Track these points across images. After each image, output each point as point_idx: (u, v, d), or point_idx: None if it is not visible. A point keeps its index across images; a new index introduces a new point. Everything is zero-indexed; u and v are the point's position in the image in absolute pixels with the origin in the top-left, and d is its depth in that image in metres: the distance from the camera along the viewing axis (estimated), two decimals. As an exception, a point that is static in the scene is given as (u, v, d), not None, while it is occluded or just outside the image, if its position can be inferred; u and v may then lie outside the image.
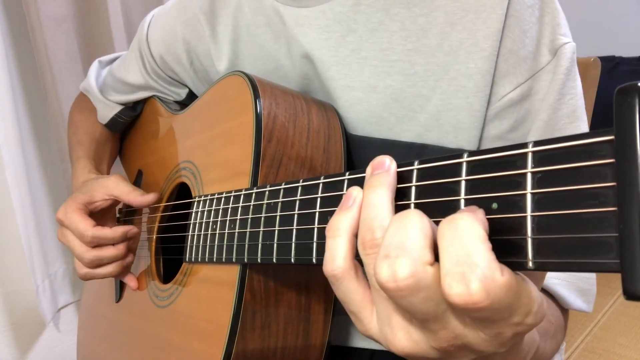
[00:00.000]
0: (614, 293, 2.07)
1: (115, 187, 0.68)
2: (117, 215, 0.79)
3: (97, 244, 0.66)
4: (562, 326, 0.54)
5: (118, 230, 0.66)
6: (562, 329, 0.55)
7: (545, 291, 0.54)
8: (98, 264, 0.67)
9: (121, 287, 0.78)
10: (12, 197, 1.06)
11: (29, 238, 1.10)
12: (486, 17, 0.50)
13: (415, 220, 0.26)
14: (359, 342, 0.66)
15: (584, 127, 0.54)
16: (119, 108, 0.83)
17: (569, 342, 1.77)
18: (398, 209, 0.31)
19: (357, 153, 0.59)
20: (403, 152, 0.56)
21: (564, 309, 0.56)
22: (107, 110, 0.84)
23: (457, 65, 0.52)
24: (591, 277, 0.56)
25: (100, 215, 0.70)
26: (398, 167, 0.32)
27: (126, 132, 0.91)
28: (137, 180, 0.81)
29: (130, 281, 0.73)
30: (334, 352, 0.61)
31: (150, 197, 0.68)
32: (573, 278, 0.54)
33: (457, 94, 0.52)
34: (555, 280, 0.54)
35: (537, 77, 0.52)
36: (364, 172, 0.34)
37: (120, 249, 0.67)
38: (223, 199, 0.52)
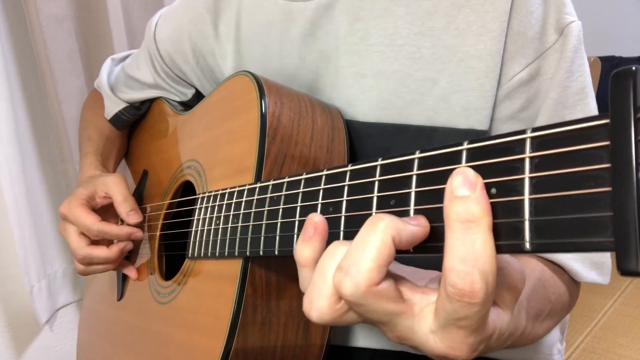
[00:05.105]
0: (614, 293, 2.07)
1: (113, 187, 0.69)
2: None
3: (101, 238, 0.67)
4: (564, 303, 0.55)
5: (124, 229, 0.68)
6: (564, 307, 0.55)
7: (555, 265, 0.55)
8: (89, 262, 0.68)
9: (123, 285, 0.78)
10: (5, 197, 1.06)
11: (24, 238, 1.09)
12: None
13: (377, 238, 0.28)
14: (360, 342, 0.66)
15: (593, 104, 0.55)
16: (123, 105, 0.84)
17: (569, 342, 1.77)
18: (398, 198, 0.32)
19: (367, 140, 0.59)
20: (414, 135, 0.56)
21: (574, 283, 0.57)
22: (112, 106, 0.84)
23: (465, 47, 0.53)
24: None
25: (103, 211, 0.71)
26: (399, 156, 0.32)
27: (132, 133, 0.92)
28: (143, 180, 0.82)
29: (130, 271, 0.74)
30: (336, 352, 0.61)
31: (133, 218, 0.69)
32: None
33: (467, 76, 0.53)
34: (568, 254, 0.54)
35: (545, 56, 0.53)
36: (366, 163, 0.34)
37: (113, 251, 0.68)
38: (227, 194, 0.53)
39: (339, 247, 0.31)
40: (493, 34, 0.51)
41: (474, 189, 0.26)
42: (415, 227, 0.29)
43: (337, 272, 0.29)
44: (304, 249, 0.33)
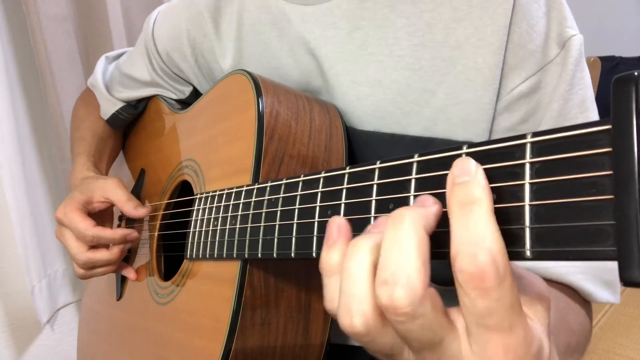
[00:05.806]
0: (614, 293, 2.07)
1: (113, 191, 0.69)
2: (120, 213, 0.79)
3: (96, 243, 0.67)
4: (587, 333, 0.53)
5: (118, 233, 0.67)
6: (586, 337, 0.53)
7: (567, 288, 0.54)
8: (91, 266, 0.68)
9: (122, 285, 0.78)
10: (6, 197, 1.06)
11: (25, 238, 1.09)
12: (493, 12, 0.51)
13: (410, 233, 0.26)
14: None
15: (594, 117, 0.55)
16: (120, 105, 0.84)
17: (569, 342, 1.77)
18: (398, 202, 0.31)
19: (363, 148, 0.59)
20: (410, 145, 0.56)
21: (586, 304, 0.56)
22: (109, 106, 0.84)
23: (464, 59, 0.53)
24: (613, 266, 0.56)
25: (98, 215, 0.71)
26: (398, 160, 0.32)
27: (130, 131, 0.91)
28: (140, 179, 0.82)
29: (129, 273, 0.74)
30: (335, 351, 0.61)
31: (142, 211, 0.69)
32: (596, 271, 0.54)
33: (465, 88, 0.53)
34: (579, 275, 0.54)
35: (546, 69, 0.53)
36: (364, 166, 0.34)
37: (114, 252, 0.68)
38: (225, 195, 0.52)
39: (359, 243, 0.28)
40: (492, 47, 0.51)
41: (474, 173, 0.25)
42: (432, 207, 0.28)
43: (382, 288, 0.26)
44: (331, 255, 0.30)
